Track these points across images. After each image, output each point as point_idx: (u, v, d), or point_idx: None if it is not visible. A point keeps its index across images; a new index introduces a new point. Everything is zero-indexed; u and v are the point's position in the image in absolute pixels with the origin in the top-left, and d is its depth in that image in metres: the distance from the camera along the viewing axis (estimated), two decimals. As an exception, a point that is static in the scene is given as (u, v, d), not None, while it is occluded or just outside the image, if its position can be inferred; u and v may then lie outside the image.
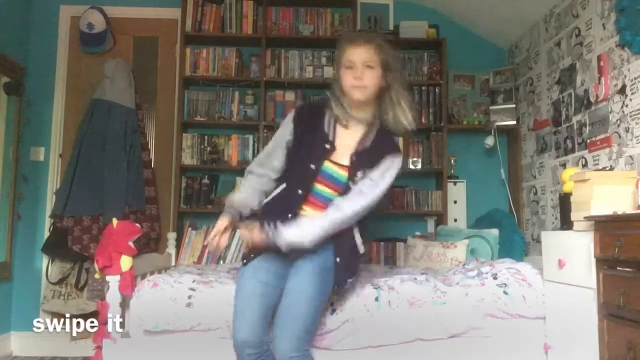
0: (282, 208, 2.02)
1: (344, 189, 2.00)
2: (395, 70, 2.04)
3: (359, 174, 1.99)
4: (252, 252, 2.02)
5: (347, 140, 2.04)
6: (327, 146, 2.02)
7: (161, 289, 2.24)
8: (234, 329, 1.92)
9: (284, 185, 2.07)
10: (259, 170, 2.14)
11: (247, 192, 2.10)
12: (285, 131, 2.13)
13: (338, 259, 1.99)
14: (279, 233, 1.89)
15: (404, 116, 2.04)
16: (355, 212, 1.97)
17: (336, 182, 2.01)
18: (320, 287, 1.95)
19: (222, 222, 2.01)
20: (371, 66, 1.96)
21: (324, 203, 2.01)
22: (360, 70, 1.95)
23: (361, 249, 2.09)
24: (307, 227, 1.92)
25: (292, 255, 1.97)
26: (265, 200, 2.10)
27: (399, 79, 2.05)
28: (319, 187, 2.03)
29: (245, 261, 2.04)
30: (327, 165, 2.02)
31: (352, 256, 2.06)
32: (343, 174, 2.01)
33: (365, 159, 2.01)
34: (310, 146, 2.04)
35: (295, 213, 1.99)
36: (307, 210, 2.03)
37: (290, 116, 2.15)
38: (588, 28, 2.80)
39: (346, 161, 2.01)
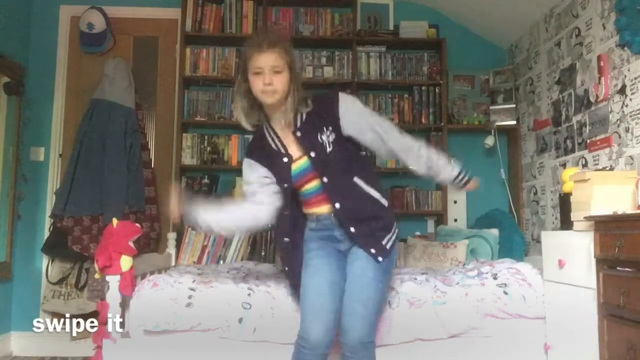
0: (280, 238, 2.13)
1: (315, 170, 2.00)
2: (297, 69, 2.06)
3: (315, 142, 1.99)
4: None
5: (287, 134, 2.05)
6: (285, 160, 2.03)
7: (161, 289, 2.24)
8: (307, 330, 1.90)
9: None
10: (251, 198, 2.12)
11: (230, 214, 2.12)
12: (256, 170, 2.10)
13: (352, 229, 1.99)
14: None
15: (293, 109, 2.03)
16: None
17: (306, 171, 2.02)
18: (381, 270, 1.98)
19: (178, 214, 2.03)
20: (278, 71, 1.95)
21: (320, 195, 2.03)
22: (268, 76, 1.94)
23: (383, 200, 2.08)
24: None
25: (346, 245, 2.03)
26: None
27: (300, 76, 2.08)
28: (304, 189, 2.05)
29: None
30: (293, 168, 2.03)
31: (379, 211, 2.06)
32: (303, 161, 2.02)
33: (308, 129, 2.01)
34: (275, 170, 2.06)
35: (297, 227, 2.09)
36: (312, 210, 2.07)
37: (247, 161, 2.13)
38: (588, 28, 2.80)
39: (298, 151, 2.03)
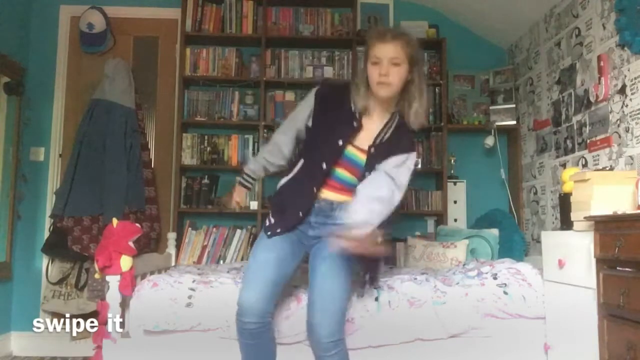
0: (304, 185, 2.04)
1: (362, 174, 2.01)
2: (419, 64, 2.06)
3: (377, 164, 2.01)
4: (278, 227, 2.05)
5: (369, 126, 2.05)
6: (355, 124, 2.02)
7: (161, 289, 2.24)
8: (241, 297, 1.93)
9: (301, 162, 2.09)
10: (280, 140, 2.18)
11: (264, 163, 2.23)
12: (305, 107, 2.13)
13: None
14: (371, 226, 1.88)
15: (422, 110, 2.05)
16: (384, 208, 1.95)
17: (356, 165, 2.03)
18: (348, 267, 1.97)
19: (240, 195, 2.26)
20: (397, 63, 1.95)
21: (342, 186, 2.03)
22: (386, 67, 1.94)
23: None
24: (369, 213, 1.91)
25: (313, 237, 2.04)
26: (283, 182, 2.13)
27: (422, 72, 2.08)
28: (338, 170, 2.03)
29: (269, 233, 2.05)
30: (349, 148, 2.03)
31: None
32: (363, 157, 2.02)
33: (383, 150, 2.02)
34: (336, 122, 2.04)
35: (319, 188, 2.02)
36: (324, 193, 2.04)
37: (312, 92, 2.13)
38: (588, 28, 2.80)
39: (366, 146, 2.03)
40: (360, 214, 1.84)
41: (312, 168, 2.05)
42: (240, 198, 2.27)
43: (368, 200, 1.90)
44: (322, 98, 2.09)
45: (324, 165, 2.02)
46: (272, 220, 2.07)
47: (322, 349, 1.88)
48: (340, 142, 2.01)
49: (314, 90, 2.13)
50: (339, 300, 1.94)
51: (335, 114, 2.05)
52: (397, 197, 1.99)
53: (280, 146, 2.17)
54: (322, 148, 2.05)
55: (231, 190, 2.28)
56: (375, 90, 1.99)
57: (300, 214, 2.04)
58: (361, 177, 2.02)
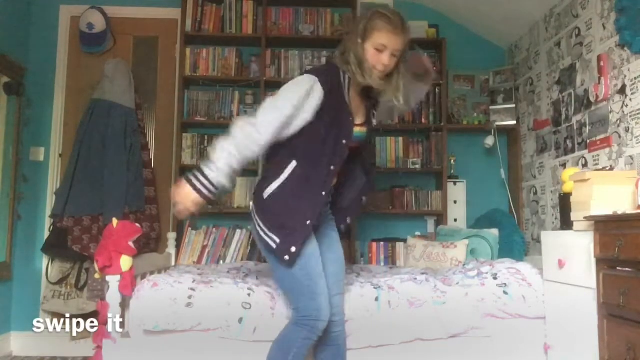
0: (310, 192, 1.93)
1: (362, 143, 2.14)
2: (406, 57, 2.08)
3: (373, 122, 2.19)
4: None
5: (356, 101, 2.09)
6: (351, 119, 2.03)
7: (161, 289, 2.24)
8: (323, 312, 1.90)
9: (294, 165, 1.92)
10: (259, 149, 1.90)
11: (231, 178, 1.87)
12: (313, 100, 1.91)
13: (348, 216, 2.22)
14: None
15: (398, 97, 2.04)
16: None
17: (359, 139, 2.09)
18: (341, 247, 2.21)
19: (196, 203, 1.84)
20: (396, 55, 1.97)
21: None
22: (388, 58, 1.95)
23: None
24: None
25: (322, 225, 2.11)
26: (273, 192, 1.93)
27: (403, 66, 2.07)
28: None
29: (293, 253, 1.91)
30: (355, 130, 2.06)
31: None
32: (363, 130, 2.11)
33: (370, 105, 2.17)
34: (339, 122, 1.98)
35: (327, 192, 2.00)
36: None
37: (313, 84, 1.93)
38: (588, 28, 2.80)
39: (361, 119, 2.10)
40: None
41: (317, 171, 1.93)
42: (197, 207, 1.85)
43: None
44: (329, 92, 1.93)
45: (332, 167, 1.96)
46: (285, 242, 1.91)
47: (341, 325, 2.08)
48: (344, 141, 1.98)
49: (313, 82, 1.92)
50: (343, 282, 2.18)
51: (338, 109, 1.97)
52: None
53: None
54: (328, 149, 1.94)
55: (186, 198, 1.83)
56: (369, 73, 1.95)
57: (308, 222, 1.90)
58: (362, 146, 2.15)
